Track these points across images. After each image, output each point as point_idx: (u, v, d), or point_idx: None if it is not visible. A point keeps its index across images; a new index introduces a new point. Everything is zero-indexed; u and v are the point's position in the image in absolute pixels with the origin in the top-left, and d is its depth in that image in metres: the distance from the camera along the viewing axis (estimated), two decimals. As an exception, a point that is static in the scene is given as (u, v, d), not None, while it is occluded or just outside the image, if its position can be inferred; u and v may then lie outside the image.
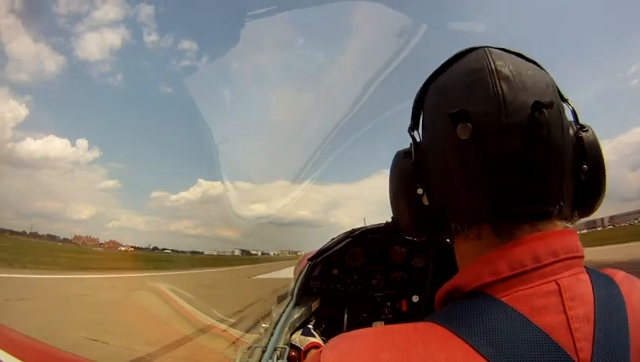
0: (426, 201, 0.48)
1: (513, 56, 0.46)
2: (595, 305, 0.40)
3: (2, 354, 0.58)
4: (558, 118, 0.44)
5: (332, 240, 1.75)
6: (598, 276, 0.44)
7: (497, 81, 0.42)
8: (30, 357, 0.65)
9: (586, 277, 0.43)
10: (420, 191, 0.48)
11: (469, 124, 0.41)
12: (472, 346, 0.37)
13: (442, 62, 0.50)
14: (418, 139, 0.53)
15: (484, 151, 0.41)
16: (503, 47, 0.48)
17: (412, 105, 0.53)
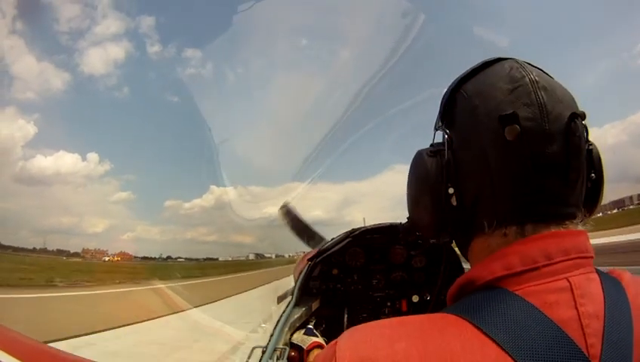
0: (454, 202, 0.49)
1: (539, 70, 0.49)
2: (605, 304, 0.41)
3: (2, 355, 0.58)
4: (583, 129, 0.47)
5: (332, 240, 1.75)
6: (606, 277, 0.46)
7: (538, 90, 0.45)
8: (30, 357, 0.64)
9: (595, 276, 0.44)
10: (450, 191, 0.49)
11: (517, 127, 0.43)
12: (487, 334, 0.38)
13: (468, 67, 0.52)
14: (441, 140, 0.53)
15: (529, 153, 0.43)
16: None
17: (441, 104, 0.54)
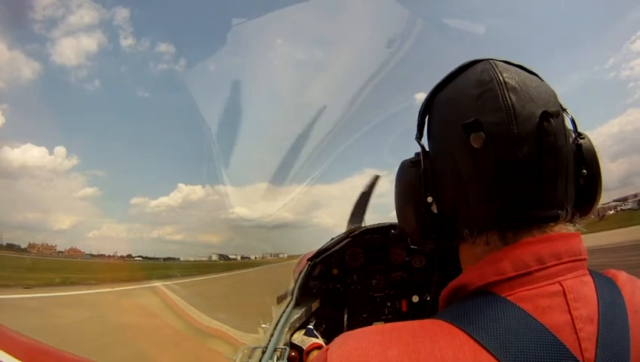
0: (435, 210, 0.49)
1: (516, 68, 0.48)
2: (598, 306, 0.41)
3: (2, 355, 0.58)
4: (562, 126, 0.46)
5: (332, 240, 1.75)
6: (601, 278, 0.45)
7: (506, 92, 0.44)
8: (30, 357, 0.64)
9: (589, 279, 0.44)
10: (429, 199, 0.49)
11: (482, 133, 0.43)
12: (478, 342, 0.38)
13: (445, 73, 0.52)
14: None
15: (496, 159, 0.43)
16: (502, 57, 0.50)
17: (418, 114, 0.55)
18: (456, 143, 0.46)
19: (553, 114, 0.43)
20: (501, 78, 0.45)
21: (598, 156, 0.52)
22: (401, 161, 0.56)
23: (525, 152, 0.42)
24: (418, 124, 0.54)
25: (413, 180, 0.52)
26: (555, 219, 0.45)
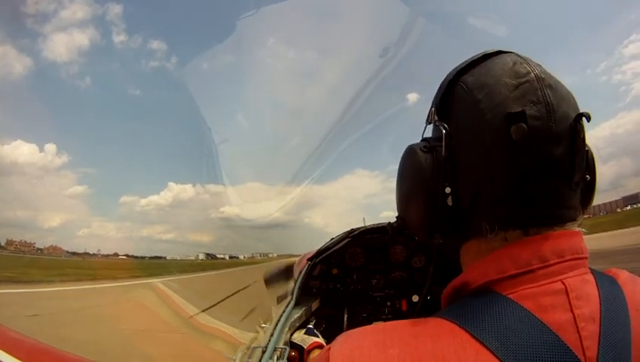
0: (449, 202, 0.46)
1: (541, 66, 0.47)
2: (600, 305, 0.41)
3: (2, 354, 0.58)
4: (584, 130, 0.46)
5: (331, 239, 1.75)
6: (602, 277, 0.45)
7: (544, 87, 0.43)
8: (30, 357, 0.64)
9: (590, 278, 0.44)
10: (447, 190, 0.46)
11: (525, 126, 0.41)
12: (479, 341, 0.38)
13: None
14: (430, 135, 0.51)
15: (535, 154, 0.42)
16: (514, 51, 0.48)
17: (436, 96, 0.51)
18: (490, 132, 0.43)
19: (586, 116, 0.44)
20: (537, 72, 0.44)
21: (597, 165, 0.52)
22: (407, 147, 0.52)
23: (560, 151, 0.42)
24: (437, 106, 0.50)
25: (428, 168, 0.47)
26: (574, 219, 0.45)
